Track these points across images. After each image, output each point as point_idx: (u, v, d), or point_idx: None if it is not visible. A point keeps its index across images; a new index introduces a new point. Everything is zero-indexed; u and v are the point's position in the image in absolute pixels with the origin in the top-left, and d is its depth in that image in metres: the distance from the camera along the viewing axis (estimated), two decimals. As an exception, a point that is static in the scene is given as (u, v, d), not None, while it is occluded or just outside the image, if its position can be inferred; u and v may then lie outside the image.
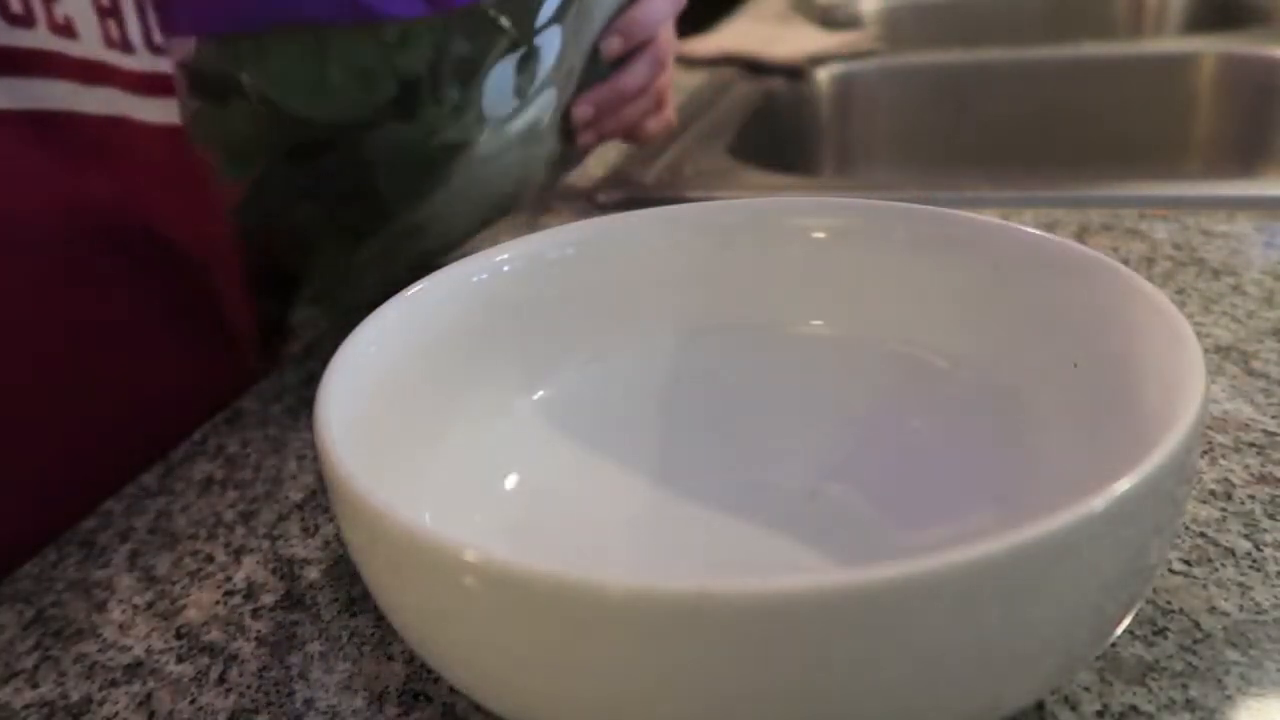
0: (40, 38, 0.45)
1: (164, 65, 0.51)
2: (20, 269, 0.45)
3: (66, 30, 0.46)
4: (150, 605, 0.36)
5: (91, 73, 0.47)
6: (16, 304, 0.45)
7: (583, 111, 0.52)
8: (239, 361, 0.60)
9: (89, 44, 0.47)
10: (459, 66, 0.44)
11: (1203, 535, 0.33)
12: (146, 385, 0.52)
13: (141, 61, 0.50)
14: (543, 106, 0.48)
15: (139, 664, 0.33)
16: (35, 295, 0.46)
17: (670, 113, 0.60)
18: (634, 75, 0.54)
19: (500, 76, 0.45)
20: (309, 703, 0.31)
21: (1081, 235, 0.56)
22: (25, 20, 0.44)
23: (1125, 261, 0.52)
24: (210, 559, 0.38)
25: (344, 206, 0.46)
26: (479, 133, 0.46)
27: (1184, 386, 0.24)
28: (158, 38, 0.51)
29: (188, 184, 0.54)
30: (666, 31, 0.56)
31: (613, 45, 0.51)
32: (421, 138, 0.45)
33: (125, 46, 0.49)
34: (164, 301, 0.53)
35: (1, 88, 0.44)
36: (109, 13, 0.48)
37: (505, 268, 0.34)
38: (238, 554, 0.38)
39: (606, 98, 0.53)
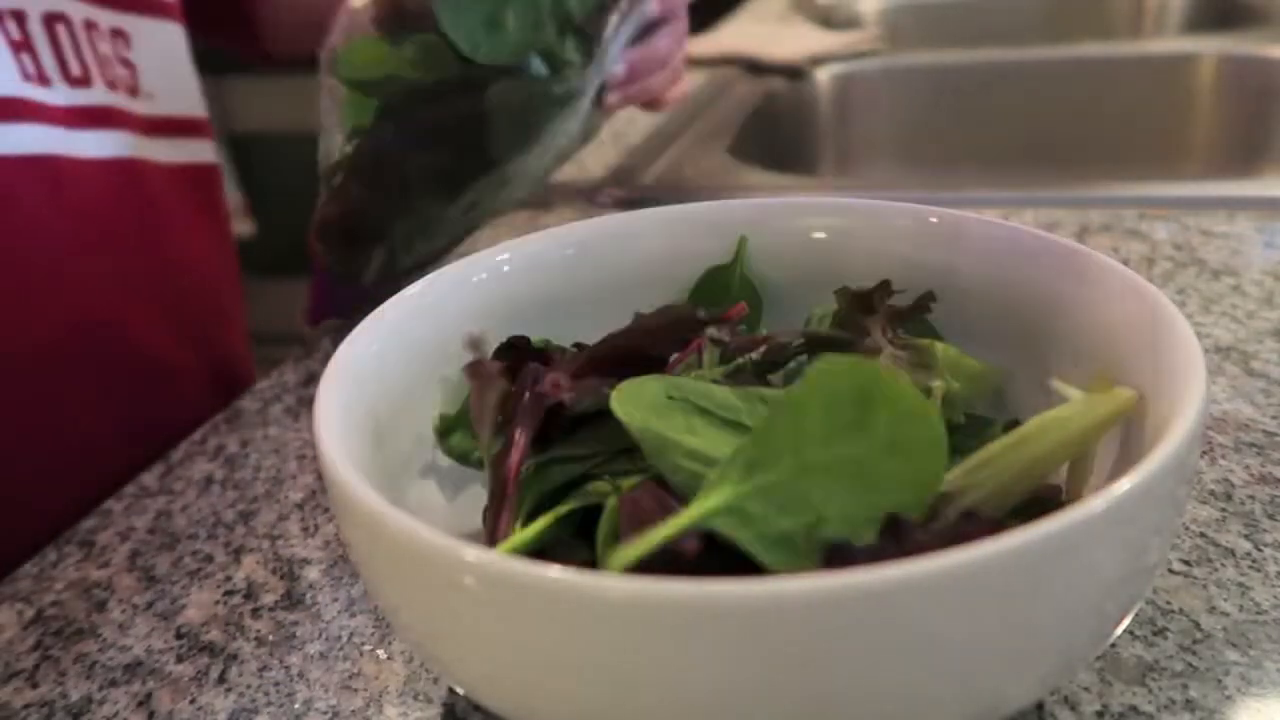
0: None
1: (86, 98, 0.49)
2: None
3: None
4: (150, 605, 0.36)
5: (10, 109, 0.45)
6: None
7: (618, 71, 0.53)
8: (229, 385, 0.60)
9: (4, 81, 0.45)
10: (598, 19, 0.47)
11: (1203, 535, 0.33)
12: (139, 400, 0.51)
13: (60, 95, 0.48)
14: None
15: (139, 664, 0.33)
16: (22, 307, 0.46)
17: (685, 87, 0.61)
18: (663, 43, 0.55)
19: (621, 33, 0.48)
20: (309, 703, 0.31)
21: (1081, 235, 0.56)
22: None
23: (1125, 261, 0.52)
24: (210, 559, 0.38)
25: (451, 157, 0.48)
26: (588, 87, 0.49)
27: (1184, 386, 0.24)
28: (75, 69, 0.49)
29: (139, 219, 0.52)
30: (684, 13, 0.58)
31: (652, 6, 0.54)
32: (542, 89, 0.47)
33: (42, 80, 0.47)
34: (136, 333, 0.52)
35: None
36: (21, 46, 0.46)
37: (505, 268, 0.34)
38: (238, 554, 0.38)
39: (639, 60, 0.54)
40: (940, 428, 0.23)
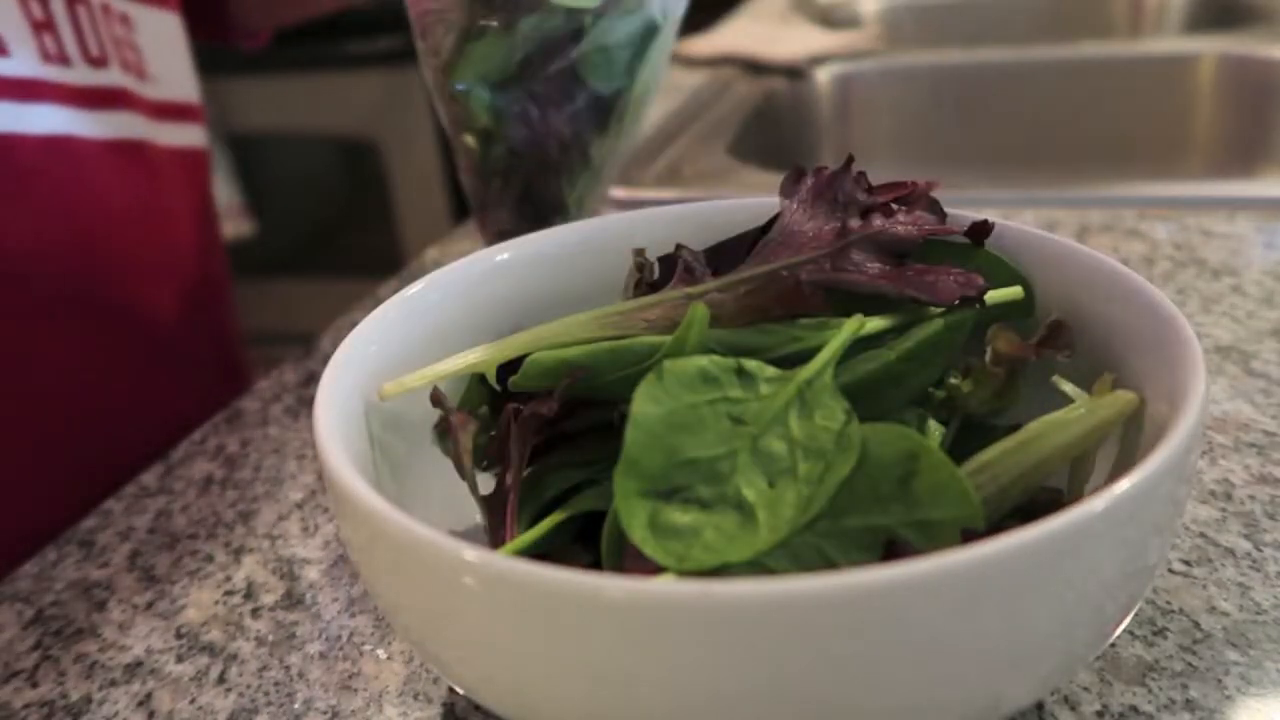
0: None
1: (102, 79, 0.50)
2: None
3: None
4: (150, 605, 0.36)
5: (28, 90, 0.46)
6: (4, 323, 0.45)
7: None
8: (225, 367, 0.60)
9: (23, 61, 0.45)
10: None
11: (1203, 535, 0.33)
12: (135, 391, 0.51)
13: (79, 75, 0.48)
14: None
15: (139, 664, 0.33)
16: (19, 315, 0.46)
17: None
18: None
19: None
20: (309, 703, 0.31)
21: (1081, 235, 0.56)
22: None
23: (1125, 261, 0.52)
24: (210, 559, 0.38)
25: (585, 98, 0.51)
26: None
27: (1184, 386, 0.24)
28: (94, 50, 0.49)
29: (142, 201, 0.53)
30: None
31: None
32: (632, 22, 0.50)
33: (63, 60, 0.47)
34: (142, 316, 0.53)
35: None
36: (43, 26, 0.47)
37: (505, 267, 0.34)
38: (238, 554, 0.38)
39: None
40: (977, 508, 0.23)
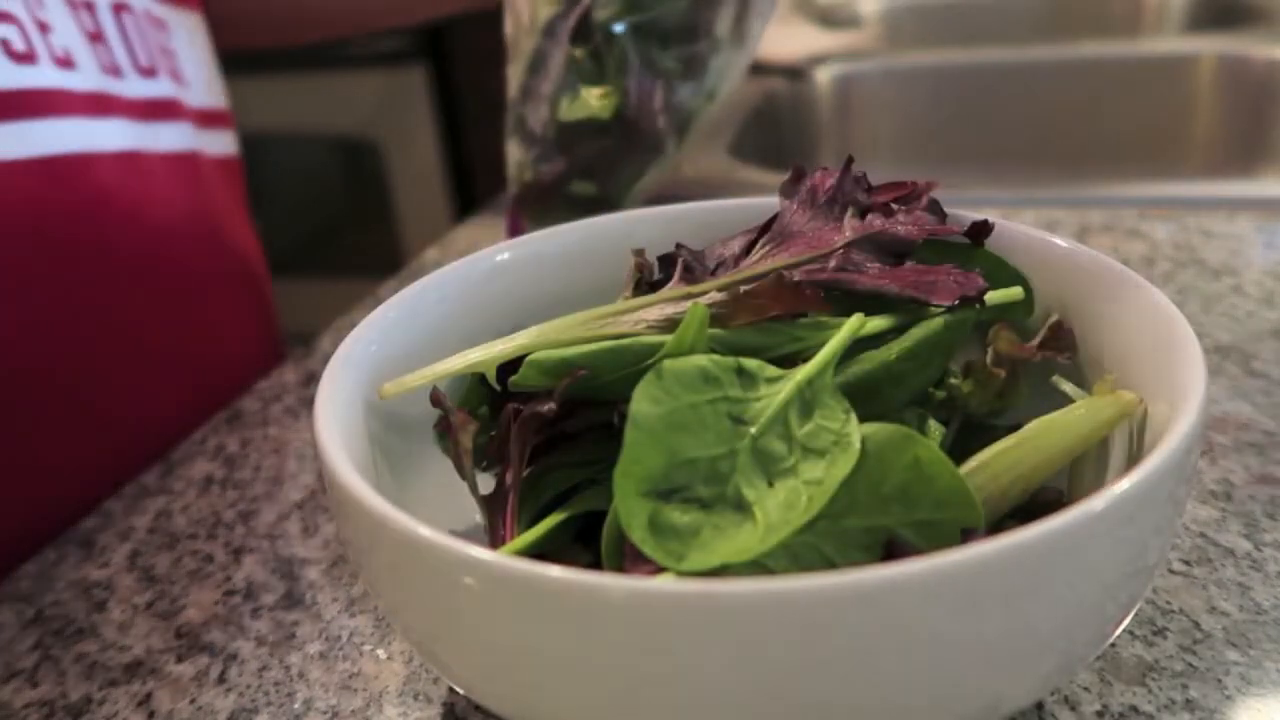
0: (44, 74, 0.43)
1: (155, 89, 0.49)
2: (21, 285, 0.44)
3: (66, 62, 0.44)
4: (150, 605, 0.36)
5: (98, 105, 0.45)
6: (23, 319, 0.45)
7: None
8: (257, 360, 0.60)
9: (88, 74, 0.45)
10: None
11: (1203, 535, 0.33)
12: (151, 389, 0.51)
13: (134, 86, 0.48)
14: None
15: (139, 664, 0.33)
16: (40, 311, 0.46)
17: None
18: None
19: None
20: (309, 703, 0.31)
21: (1081, 235, 0.56)
22: (29, 57, 0.42)
23: (1125, 261, 0.52)
24: (210, 559, 0.38)
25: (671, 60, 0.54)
26: None
27: (1184, 386, 0.24)
28: (143, 60, 0.49)
29: (196, 212, 0.53)
30: None
31: None
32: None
33: (116, 72, 0.47)
34: (189, 324, 0.52)
35: (10, 135, 0.41)
36: (96, 38, 0.46)
37: (505, 266, 0.34)
38: (238, 554, 0.38)
39: None
40: (977, 508, 0.23)
